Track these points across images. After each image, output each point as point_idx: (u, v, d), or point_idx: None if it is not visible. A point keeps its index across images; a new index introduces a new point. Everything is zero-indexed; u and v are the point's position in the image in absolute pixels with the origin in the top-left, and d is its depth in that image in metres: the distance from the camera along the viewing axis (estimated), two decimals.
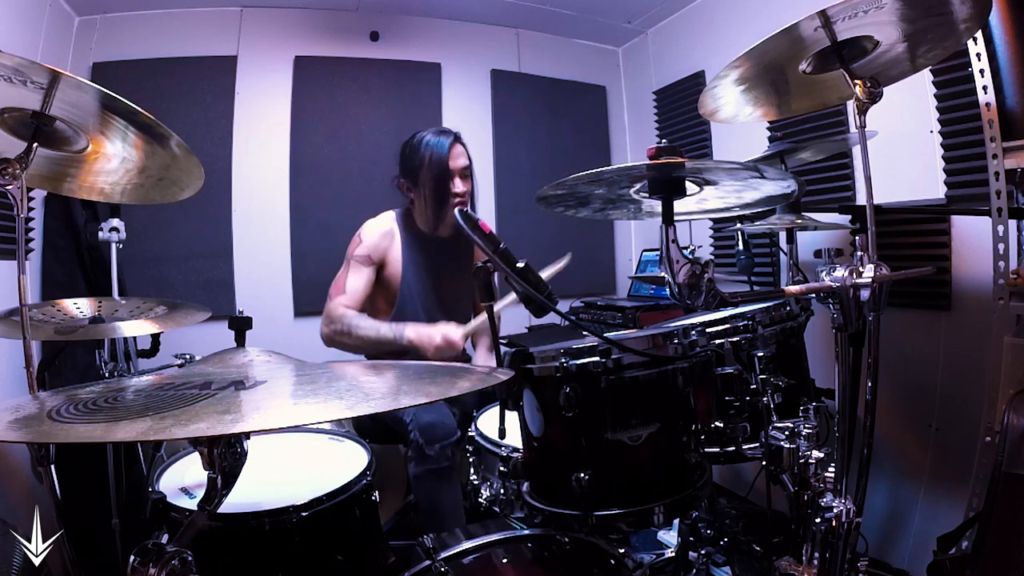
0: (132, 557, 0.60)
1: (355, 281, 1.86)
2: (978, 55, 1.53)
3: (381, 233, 1.93)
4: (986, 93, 1.53)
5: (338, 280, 1.89)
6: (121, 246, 1.98)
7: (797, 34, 1.02)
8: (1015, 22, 1.47)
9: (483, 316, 1.75)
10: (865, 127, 1.03)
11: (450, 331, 1.75)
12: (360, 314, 1.83)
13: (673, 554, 1.72)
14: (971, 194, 1.72)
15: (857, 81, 1.01)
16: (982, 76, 1.53)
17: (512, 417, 1.07)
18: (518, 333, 2.99)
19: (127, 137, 1.08)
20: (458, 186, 1.88)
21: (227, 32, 2.73)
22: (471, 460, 1.44)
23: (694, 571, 1.64)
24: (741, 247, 2.03)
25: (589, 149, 3.40)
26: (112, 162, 1.15)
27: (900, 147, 1.87)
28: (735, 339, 1.10)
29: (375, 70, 2.97)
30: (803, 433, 0.94)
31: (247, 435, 0.63)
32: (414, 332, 1.76)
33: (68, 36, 2.45)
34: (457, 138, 1.91)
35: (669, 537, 1.88)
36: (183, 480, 1.23)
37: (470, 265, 2.03)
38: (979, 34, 1.51)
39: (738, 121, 1.36)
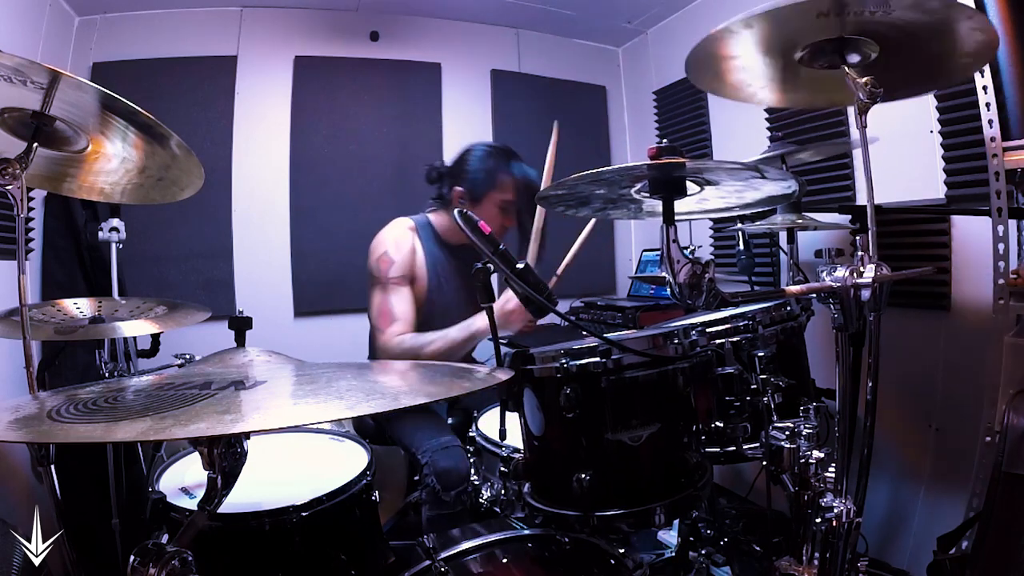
0: (132, 557, 0.60)
1: (400, 304, 1.73)
2: None
3: (408, 250, 1.82)
4: (986, 93, 1.53)
5: (381, 308, 1.74)
6: (121, 246, 1.98)
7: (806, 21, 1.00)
8: (1015, 22, 1.47)
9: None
10: (866, 127, 1.03)
11: (509, 304, 1.62)
12: (416, 334, 1.72)
13: (673, 554, 1.72)
14: (971, 194, 1.72)
15: (860, 80, 1.01)
16: (982, 76, 1.53)
17: (513, 418, 1.07)
18: None
19: (127, 137, 1.08)
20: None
21: (227, 32, 2.73)
22: (472, 461, 1.44)
23: (694, 571, 1.63)
24: (741, 247, 2.03)
25: (589, 149, 3.39)
26: (112, 162, 1.15)
27: (900, 147, 1.86)
28: (735, 339, 1.09)
29: (375, 70, 2.97)
30: (803, 433, 0.94)
31: (247, 435, 0.63)
32: (482, 320, 1.63)
33: (68, 36, 2.45)
34: None
35: (669, 537, 1.88)
36: (183, 480, 1.23)
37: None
38: None
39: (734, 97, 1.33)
